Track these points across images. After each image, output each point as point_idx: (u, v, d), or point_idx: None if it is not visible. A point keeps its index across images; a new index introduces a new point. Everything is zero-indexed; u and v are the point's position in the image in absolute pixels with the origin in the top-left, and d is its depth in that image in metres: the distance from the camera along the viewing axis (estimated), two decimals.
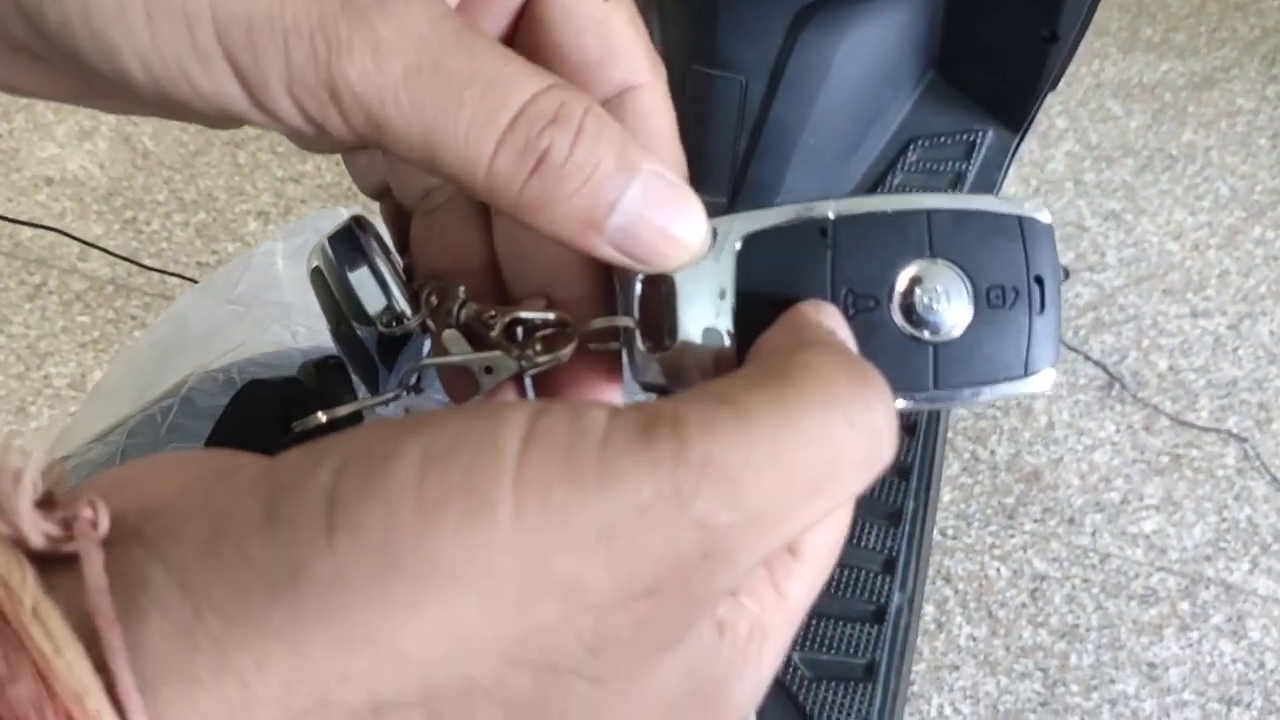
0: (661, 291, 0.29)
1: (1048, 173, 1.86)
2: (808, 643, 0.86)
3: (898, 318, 0.28)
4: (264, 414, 0.33)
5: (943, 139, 1.09)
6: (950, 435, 1.53)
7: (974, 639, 1.36)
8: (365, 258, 0.32)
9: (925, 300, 0.28)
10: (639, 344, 0.30)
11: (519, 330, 0.31)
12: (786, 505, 0.21)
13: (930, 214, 0.28)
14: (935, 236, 0.28)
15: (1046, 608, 1.39)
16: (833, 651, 0.85)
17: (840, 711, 0.82)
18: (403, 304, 0.32)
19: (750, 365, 0.24)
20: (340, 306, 0.32)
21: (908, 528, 0.93)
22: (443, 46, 0.24)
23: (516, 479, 0.20)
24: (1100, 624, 1.37)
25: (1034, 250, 0.28)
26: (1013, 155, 1.07)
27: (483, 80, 0.24)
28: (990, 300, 0.28)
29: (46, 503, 0.20)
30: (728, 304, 0.28)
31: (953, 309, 0.28)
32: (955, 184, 1.08)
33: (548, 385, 0.32)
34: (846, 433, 0.22)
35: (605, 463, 0.20)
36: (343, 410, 0.31)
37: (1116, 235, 1.77)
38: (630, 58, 0.29)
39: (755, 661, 0.24)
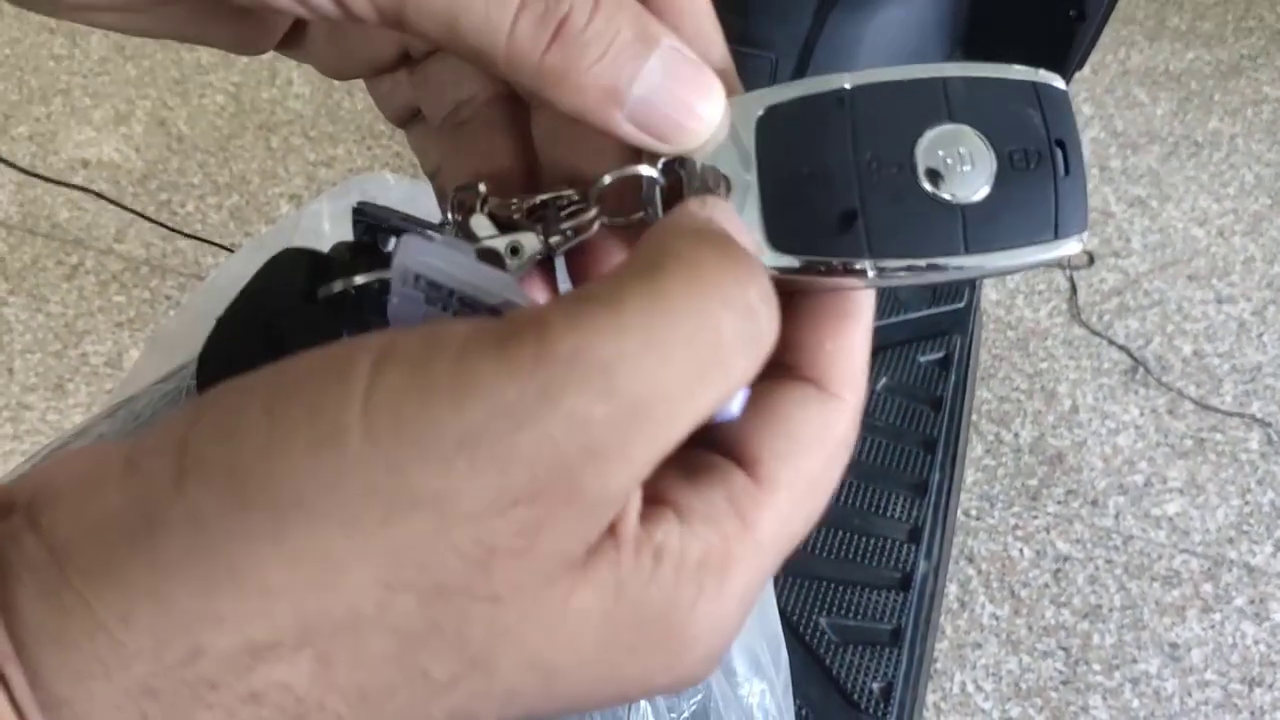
0: (681, 177, 0.29)
1: None
2: (835, 608, 0.87)
3: (924, 182, 0.27)
4: (292, 278, 0.33)
5: None
6: (975, 418, 1.54)
7: (997, 618, 1.37)
8: (382, 234, 0.32)
9: (949, 163, 0.27)
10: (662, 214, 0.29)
11: (560, 213, 0.30)
12: (671, 391, 0.20)
13: (946, 81, 0.28)
14: (953, 101, 0.27)
15: (1069, 588, 1.40)
16: (859, 617, 0.87)
17: (867, 675, 0.84)
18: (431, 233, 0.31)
19: (621, 264, 0.23)
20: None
21: (933, 499, 0.95)
22: None
23: (365, 401, 0.19)
24: (1123, 604, 1.38)
25: (1052, 115, 0.27)
26: None
27: None
28: (1014, 162, 0.27)
29: None
30: (751, 181, 0.28)
31: (977, 172, 0.27)
32: None
33: (581, 270, 0.31)
34: (722, 312, 0.21)
35: (460, 372, 0.19)
36: (361, 279, 0.30)
37: (1142, 221, 1.78)
38: None
39: (713, 592, 0.23)
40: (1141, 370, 1.59)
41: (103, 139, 1.86)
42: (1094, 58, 1.03)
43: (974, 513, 1.46)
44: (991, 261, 0.27)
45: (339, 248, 0.34)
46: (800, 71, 1.00)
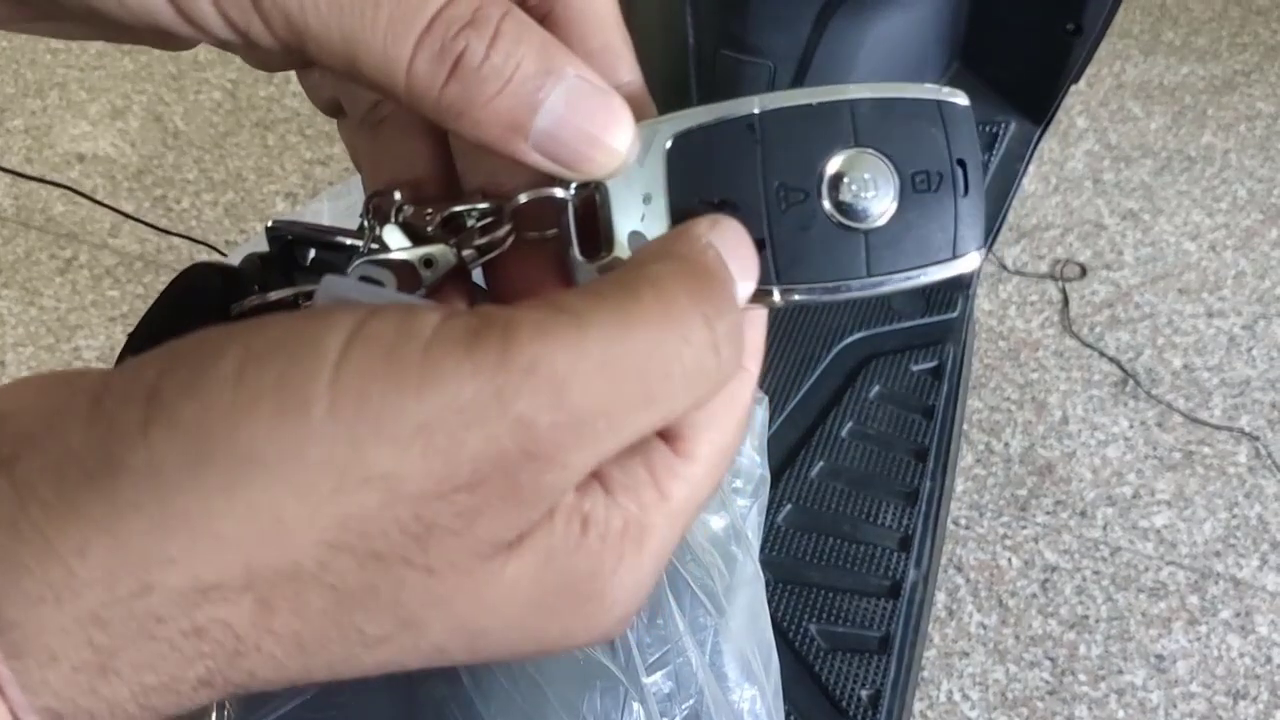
0: (595, 199, 0.29)
1: (1067, 171, 1.88)
2: (824, 615, 0.88)
3: (828, 208, 0.28)
4: (205, 294, 0.32)
5: None
6: (965, 427, 1.55)
7: (984, 627, 1.38)
8: (302, 243, 0.32)
9: (854, 189, 0.28)
10: (575, 250, 0.30)
11: (471, 224, 0.31)
12: (616, 412, 0.22)
13: (853, 104, 0.28)
14: (859, 125, 0.28)
15: (1056, 598, 1.40)
16: (849, 624, 0.87)
17: (856, 682, 0.84)
18: (347, 240, 0.32)
19: (603, 277, 0.24)
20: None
21: (924, 507, 0.95)
22: None
23: (334, 377, 0.20)
24: (1110, 615, 1.39)
25: (954, 134, 0.28)
26: (1034, 147, 1.09)
27: None
28: (916, 185, 0.28)
29: None
30: (661, 207, 0.28)
31: (880, 196, 0.28)
32: None
33: (498, 281, 0.32)
34: (681, 348, 0.23)
35: (427, 364, 0.20)
36: (275, 295, 0.31)
37: (1134, 234, 1.79)
38: None
39: (632, 558, 0.24)
40: (1131, 383, 1.60)
41: (98, 133, 1.86)
42: (1089, 71, 1.04)
43: (963, 522, 1.46)
44: (891, 282, 0.28)
45: (250, 260, 0.34)
46: (799, 80, 1.00)
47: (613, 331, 0.22)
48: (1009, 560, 1.43)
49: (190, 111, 1.91)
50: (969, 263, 0.29)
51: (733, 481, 0.62)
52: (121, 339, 1.61)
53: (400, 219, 0.31)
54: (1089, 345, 1.64)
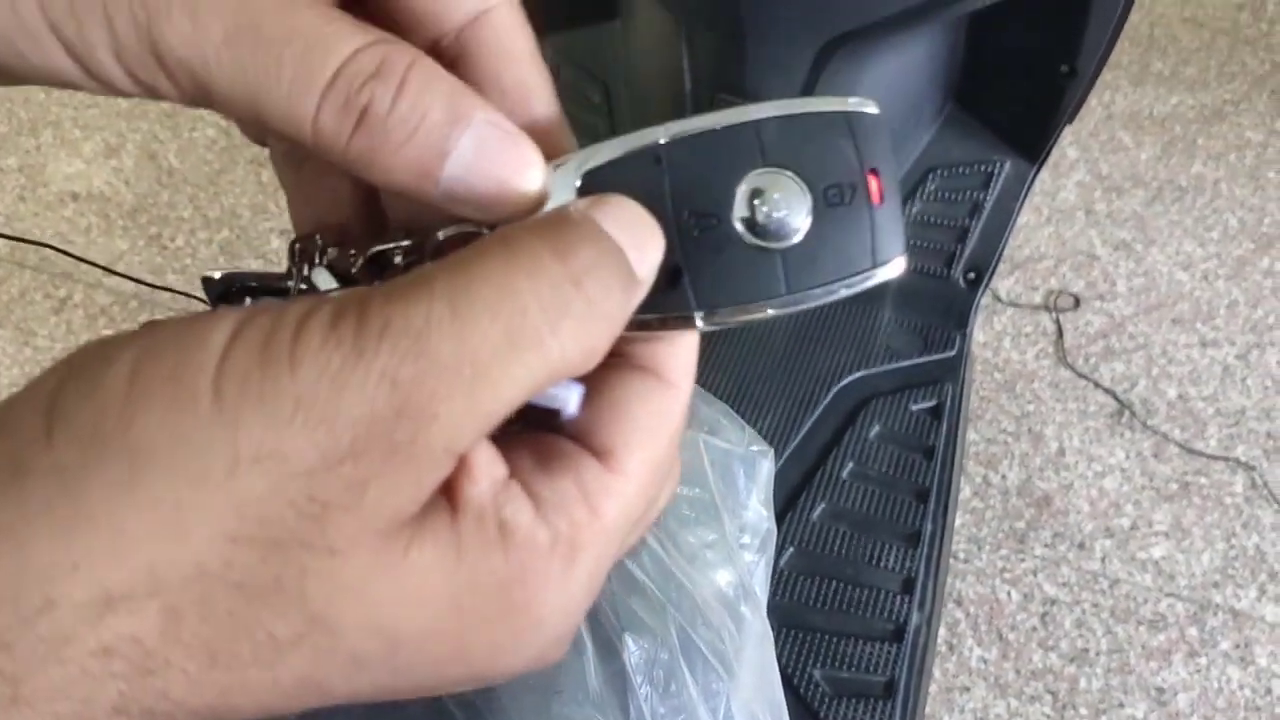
0: None
1: (1059, 202, 1.89)
2: (828, 660, 0.87)
3: (741, 230, 0.28)
4: None
5: (961, 169, 1.11)
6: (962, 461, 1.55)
7: (985, 661, 1.38)
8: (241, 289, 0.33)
9: (765, 210, 0.28)
10: None
11: (396, 262, 0.31)
12: (480, 356, 0.22)
13: (759, 124, 0.28)
14: (766, 145, 0.28)
15: (1056, 631, 1.40)
16: (853, 669, 0.87)
17: None
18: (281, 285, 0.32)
19: None
20: None
21: (926, 549, 0.95)
22: (261, 7, 0.24)
23: (218, 369, 0.21)
24: (1109, 648, 1.39)
25: (864, 144, 0.28)
26: (1029, 186, 1.09)
27: (302, 40, 0.25)
28: (829, 199, 0.28)
29: None
30: None
31: (793, 214, 0.28)
32: (973, 213, 1.10)
33: None
34: (531, 283, 0.23)
35: (298, 345, 0.21)
36: None
37: (1127, 264, 1.79)
38: None
39: (561, 575, 0.24)
40: (1127, 413, 1.61)
41: (92, 171, 1.86)
42: None
43: (962, 555, 1.46)
44: (812, 298, 0.28)
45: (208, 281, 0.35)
46: None
47: (458, 280, 0.22)
48: (1008, 594, 1.43)
49: (184, 149, 1.91)
50: (892, 269, 0.29)
51: (740, 537, 0.62)
52: None
53: (324, 261, 0.31)
54: (1084, 376, 1.65)
